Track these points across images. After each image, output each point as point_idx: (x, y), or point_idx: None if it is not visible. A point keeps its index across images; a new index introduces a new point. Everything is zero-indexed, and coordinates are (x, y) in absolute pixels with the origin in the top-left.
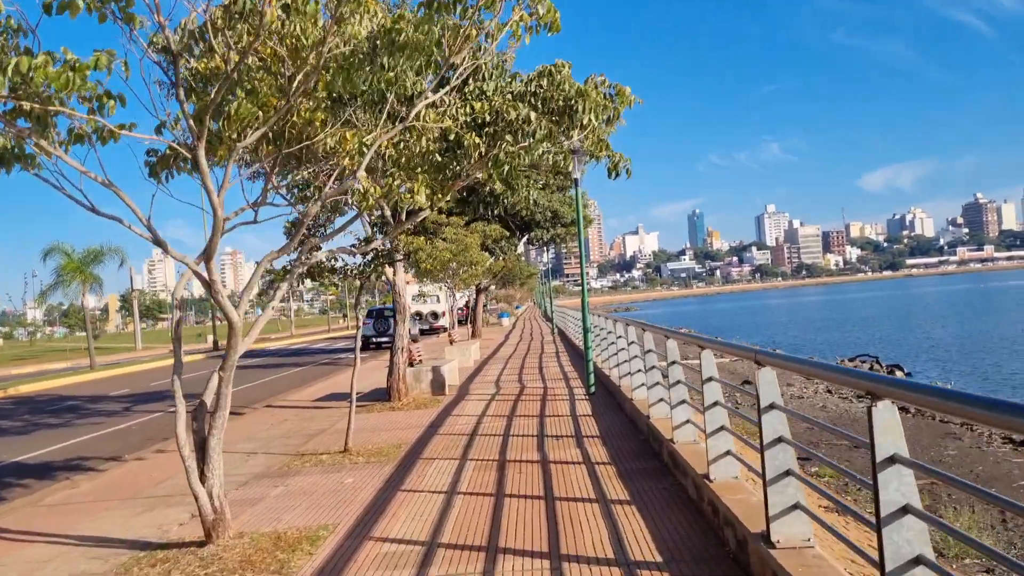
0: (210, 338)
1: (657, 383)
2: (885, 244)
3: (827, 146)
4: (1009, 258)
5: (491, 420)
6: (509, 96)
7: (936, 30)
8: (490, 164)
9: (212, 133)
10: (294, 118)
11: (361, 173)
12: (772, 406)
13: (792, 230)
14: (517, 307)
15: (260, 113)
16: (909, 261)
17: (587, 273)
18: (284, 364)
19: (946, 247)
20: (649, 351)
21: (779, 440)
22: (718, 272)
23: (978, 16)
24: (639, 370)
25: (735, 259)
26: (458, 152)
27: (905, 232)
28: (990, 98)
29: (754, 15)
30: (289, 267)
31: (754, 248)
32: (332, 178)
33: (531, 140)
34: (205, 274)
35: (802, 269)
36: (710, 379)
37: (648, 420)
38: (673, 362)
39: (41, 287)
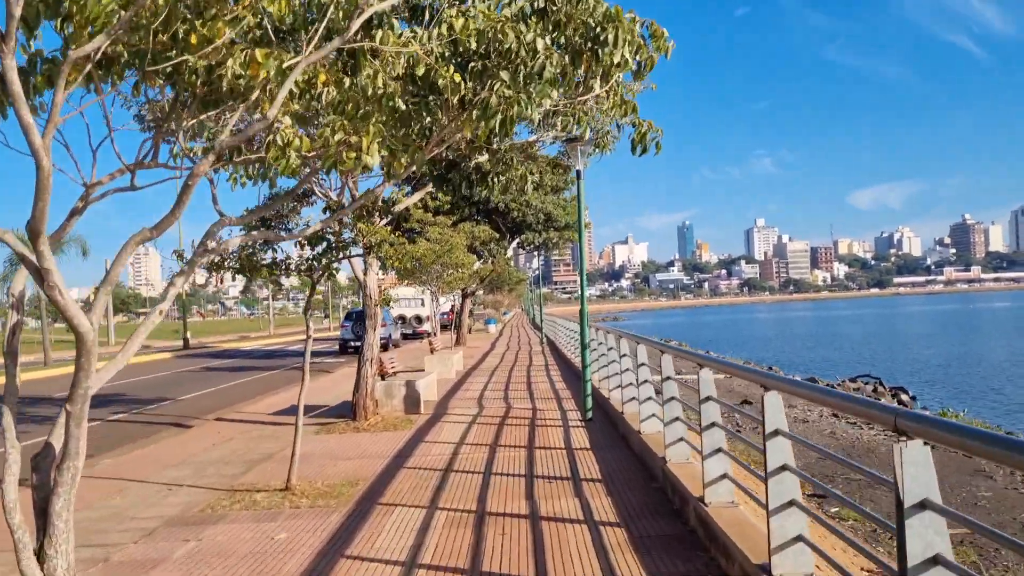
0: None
1: (677, 419)
2: (873, 262)
3: (818, 162)
4: (996, 279)
5: (470, 450)
6: (506, 15)
7: (927, 50)
8: (475, 115)
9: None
10: (192, 38)
11: (273, 111)
12: (777, 432)
13: (781, 245)
14: (505, 313)
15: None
16: (897, 279)
17: (576, 281)
18: (252, 367)
19: (933, 267)
20: (668, 378)
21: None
22: (706, 284)
23: (970, 37)
24: (649, 398)
25: (724, 272)
26: (430, 99)
27: (893, 250)
28: (980, 119)
29: (748, 30)
30: (194, 256)
31: (743, 262)
32: (237, 121)
33: (537, 83)
34: (32, 257)
35: (790, 284)
36: (776, 432)
37: (666, 465)
38: (708, 398)
39: None
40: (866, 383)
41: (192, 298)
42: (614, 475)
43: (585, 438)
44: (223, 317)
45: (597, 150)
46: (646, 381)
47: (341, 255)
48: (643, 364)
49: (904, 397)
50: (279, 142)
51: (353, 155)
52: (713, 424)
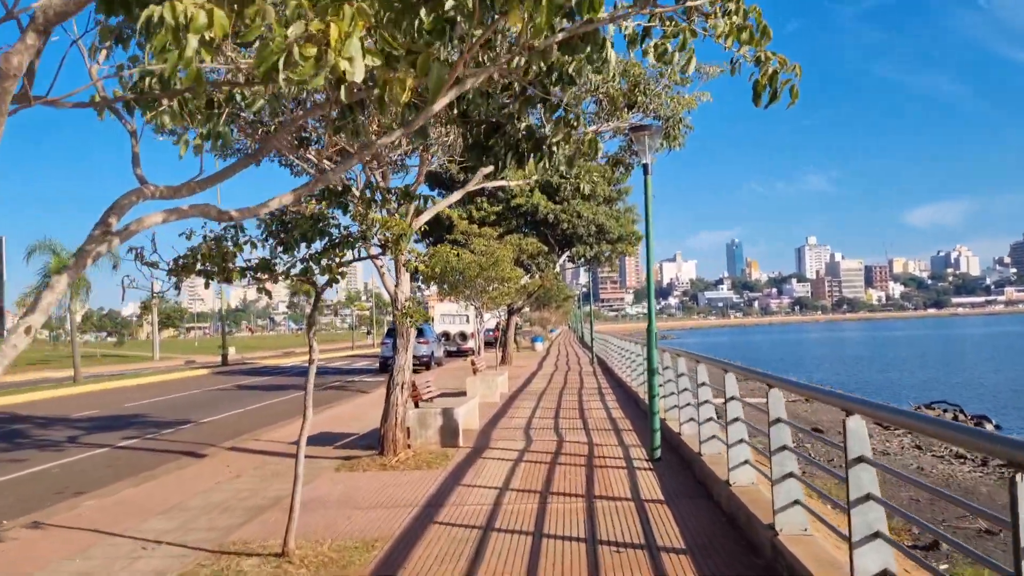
0: (232, 349)
1: (790, 475)
2: (929, 281)
3: (870, 180)
4: None
5: (516, 500)
6: None
7: (983, 65)
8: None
9: None
10: None
11: None
12: (861, 459)
13: (833, 263)
14: (552, 331)
15: None
16: (955, 299)
17: (623, 299)
18: (287, 386)
19: (993, 286)
20: (778, 420)
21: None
22: (756, 303)
23: None
24: (741, 440)
25: (774, 290)
26: None
27: (950, 270)
28: None
29: (799, 45)
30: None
31: (794, 280)
32: None
33: None
34: None
35: (843, 303)
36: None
37: (777, 538)
38: (861, 458)
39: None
40: (944, 410)
41: (242, 313)
42: (701, 543)
43: (655, 485)
44: (271, 332)
45: (664, 143)
46: (737, 419)
47: (342, 253)
48: (733, 398)
49: (988, 426)
50: (170, 17)
51: (312, 53)
52: (869, 497)
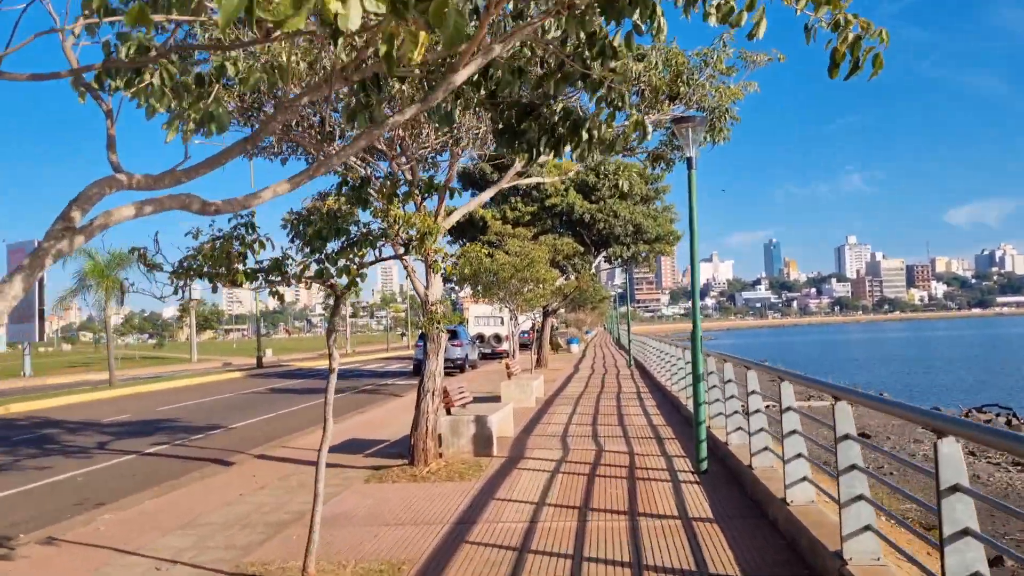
0: (268, 351)
1: (860, 497)
2: (973, 281)
3: (910, 179)
4: None
5: (553, 516)
6: None
7: None
8: None
9: None
10: None
11: None
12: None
13: (874, 263)
14: (587, 332)
15: None
16: (999, 299)
17: (659, 300)
18: (320, 389)
19: None
20: (847, 437)
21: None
22: (795, 303)
23: None
24: (799, 455)
25: (813, 291)
26: None
27: (995, 269)
28: None
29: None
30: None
31: (833, 280)
32: None
33: None
34: None
35: (884, 303)
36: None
37: (846, 567)
38: (957, 487)
39: (60, 292)
40: (997, 414)
41: (280, 315)
42: (759, 571)
43: (703, 501)
44: (308, 334)
45: (708, 137)
46: (795, 432)
47: (362, 252)
48: (789, 408)
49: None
50: None
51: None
52: (967, 533)
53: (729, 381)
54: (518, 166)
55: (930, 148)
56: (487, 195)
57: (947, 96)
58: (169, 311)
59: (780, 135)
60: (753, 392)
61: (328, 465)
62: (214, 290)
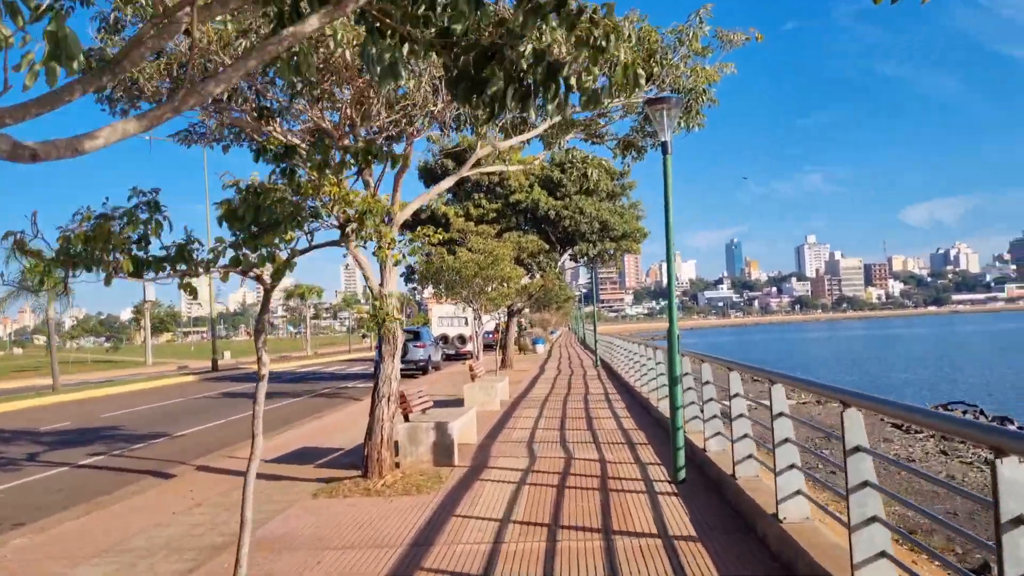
0: (227, 354)
1: (874, 519)
2: (929, 279)
3: (869, 178)
4: None
5: (520, 536)
6: None
7: (984, 64)
8: None
9: None
10: None
11: None
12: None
13: (833, 262)
14: (552, 332)
15: None
16: (955, 297)
17: (623, 299)
18: (276, 393)
19: (993, 284)
20: (857, 449)
21: None
22: (756, 302)
23: None
24: (792, 465)
25: (774, 289)
26: None
27: (950, 267)
28: None
29: (797, 44)
30: None
31: (794, 279)
32: None
33: None
34: None
35: (843, 302)
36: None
37: None
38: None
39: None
40: (964, 412)
41: (241, 316)
42: None
43: (684, 516)
44: (271, 337)
45: (683, 123)
46: (787, 440)
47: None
48: (782, 414)
49: (1012, 428)
50: None
51: None
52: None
53: (707, 383)
54: (480, 152)
55: (888, 148)
56: (446, 183)
57: (905, 96)
58: (127, 313)
59: (743, 134)
60: (737, 395)
61: (275, 478)
62: (107, 282)
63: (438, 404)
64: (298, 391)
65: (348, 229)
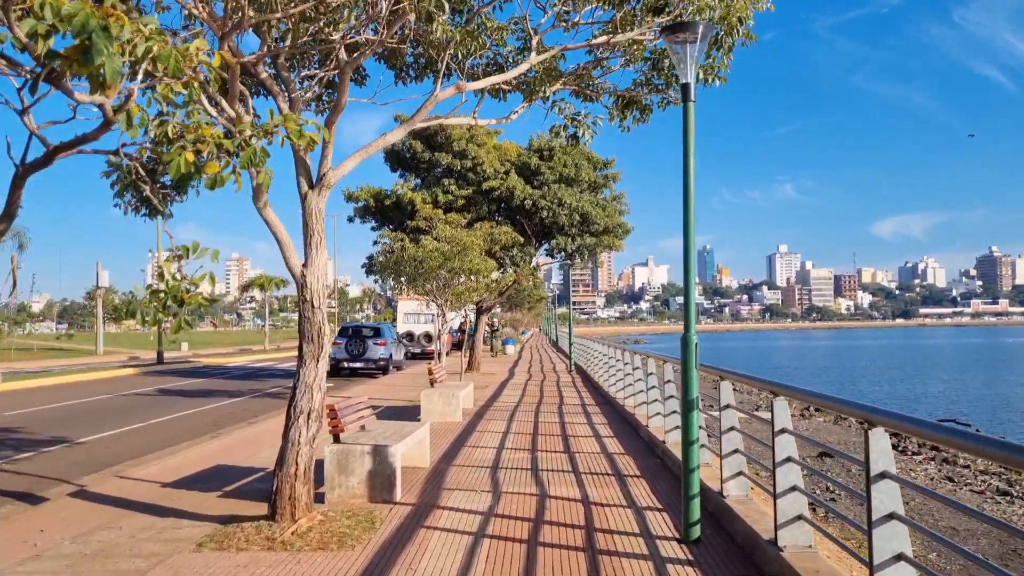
0: (185, 345)
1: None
2: (897, 292)
3: (840, 190)
4: None
5: None
6: None
7: (955, 81)
8: None
9: None
10: None
11: None
12: None
13: (804, 271)
14: (523, 333)
15: None
16: (922, 310)
17: (595, 302)
18: (219, 392)
19: (959, 298)
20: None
21: None
22: (727, 309)
23: (1000, 70)
24: (899, 557)
25: (745, 297)
26: None
27: (917, 281)
28: (1007, 152)
29: (774, 55)
30: None
31: (765, 287)
32: None
33: None
34: None
35: (813, 311)
36: None
37: None
38: None
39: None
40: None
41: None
42: None
43: None
44: (236, 328)
45: (711, 63)
46: (893, 517)
47: None
48: (884, 476)
49: None
50: None
51: None
52: None
53: (727, 407)
54: (441, 92)
55: (860, 160)
56: (395, 134)
57: (877, 110)
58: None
59: (715, 143)
60: (782, 431)
61: (162, 512)
62: None
63: (390, 413)
64: (242, 390)
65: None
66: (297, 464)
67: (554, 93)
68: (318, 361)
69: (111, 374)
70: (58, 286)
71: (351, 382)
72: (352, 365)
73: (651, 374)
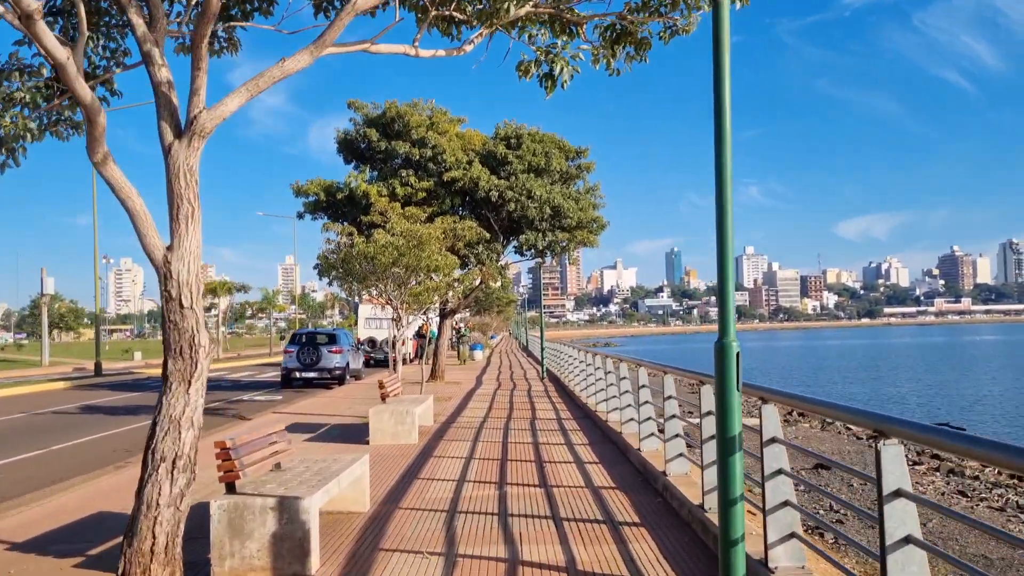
0: (138, 355)
1: None
2: (862, 292)
3: (805, 192)
4: (987, 311)
5: None
6: None
7: (919, 85)
8: None
9: None
10: None
11: None
12: None
13: (771, 273)
14: (492, 337)
15: None
16: (887, 310)
17: (564, 305)
18: (150, 408)
19: (923, 297)
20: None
21: None
22: (696, 311)
23: (961, 74)
24: None
25: (713, 299)
26: None
27: (881, 280)
28: (967, 153)
29: (739, 59)
30: None
31: None
32: None
33: None
34: None
35: (780, 312)
36: None
37: None
38: None
39: None
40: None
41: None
42: None
43: None
44: None
45: None
46: None
47: None
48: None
49: None
50: None
51: None
52: None
53: (773, 441)
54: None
55: (824, 163)
56: (297, 61)
57: (841, 113)
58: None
59: (681, 145)
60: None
61: None
62: None
63: (335, 433)
64: None
65: None
66: (155, 536)
67: (523, 23)
68: (190, 384)
69: (40, 388)
70: (15, 294)
71: (302, 394)
72: (305, 375)
73: (643, 386)
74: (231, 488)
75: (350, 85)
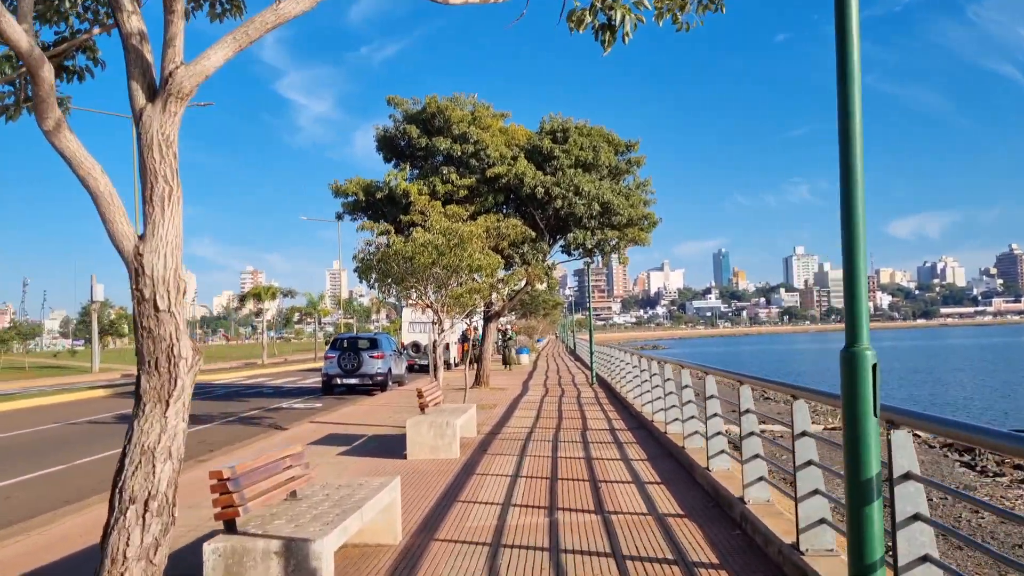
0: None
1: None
2: (916, 292)
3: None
4: None
5: None
6: None
7: (970, 80)
8: None
9: None
10: None
11: None
12: None
13: (822, 273)
14: (538, 340)
15: None
16: (943, 310)
17: (611, 308)
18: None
19: (980, 297)
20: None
21: None
22: (744, 313)
23: (1017, 67)
24: None
25: (762, 300)
26: None
27: (936, 280)
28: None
29: (787, 56)
30: None
31: (782, 290)
32: None
33: None
34: None
35: (832, 313)
36: None
37: None
38: None
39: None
40: None
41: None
42: None
43: None
44: (249, 340)
45: None
46: None
47: None
48: None
49: None
50: None
51: None
52: None
53: (907, 477)
54: None
55: (874, 161)
56: (295, 3)
57: (891, 110)
58: (111, 314)
59: (727, 145)
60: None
61: None
62: None
63: (373, 446)
64: (213, 413)
65: None
66: None
67: None
68: (167, 406)
69: (81, 396)
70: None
71: (342, 401)
72: (346, 381)
73: (711, 397)
74: (230, 527)
75: (394, 89)
